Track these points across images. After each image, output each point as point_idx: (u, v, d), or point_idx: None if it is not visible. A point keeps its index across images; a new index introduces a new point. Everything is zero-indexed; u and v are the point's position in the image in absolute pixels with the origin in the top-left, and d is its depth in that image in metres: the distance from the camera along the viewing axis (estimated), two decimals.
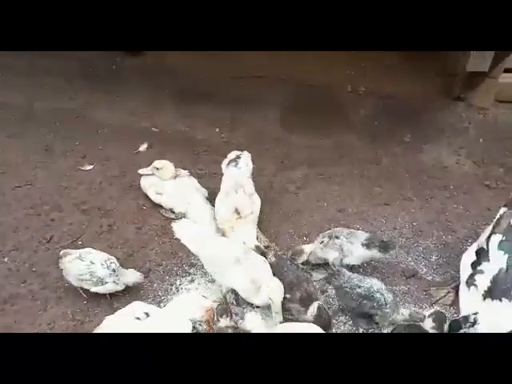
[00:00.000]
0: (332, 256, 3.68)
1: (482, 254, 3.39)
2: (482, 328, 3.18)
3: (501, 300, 3.19)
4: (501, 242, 3.35)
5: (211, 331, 3.18)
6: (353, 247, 3.67)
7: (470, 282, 3.36)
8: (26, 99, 5.46)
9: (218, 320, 3.25)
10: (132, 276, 3.58)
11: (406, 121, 5.17)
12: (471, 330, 3.15)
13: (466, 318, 3.19)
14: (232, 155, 4.21)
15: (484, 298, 3.25)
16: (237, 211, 3.87)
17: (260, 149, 4.87)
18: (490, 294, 3.23)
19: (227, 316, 3.28)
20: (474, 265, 3.40)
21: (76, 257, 3.51)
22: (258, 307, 3.52)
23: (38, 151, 4.85)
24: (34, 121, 5.19)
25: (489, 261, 3.33)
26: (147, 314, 3.03)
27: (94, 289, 3.51)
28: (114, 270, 3.50)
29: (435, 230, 4.18)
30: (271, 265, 3.49)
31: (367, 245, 3.66)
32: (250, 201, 3.97)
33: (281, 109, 5.34)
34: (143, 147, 4.86)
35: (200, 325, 3.28)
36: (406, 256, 3.97)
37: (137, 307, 3.11)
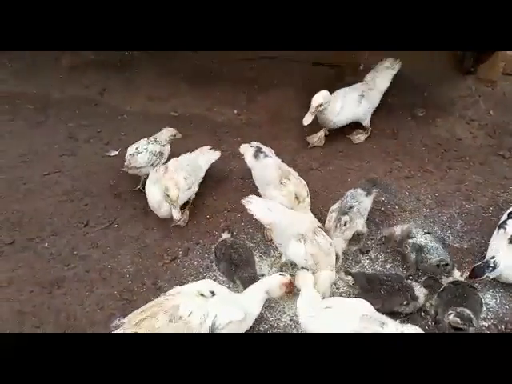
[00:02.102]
0: (360, 224, 3.85)
1: None
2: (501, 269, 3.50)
3: None
4: None
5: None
6: (364, 203, 3.92)
7: (502, 225, 3.65)
8: (43, 89, 5.51)
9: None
10: None
11: (418, 96, 5.30)
12: (492, 274, 3.47)
13: (486, 262, 3.47)
14: (248, 149, 4.25)
15: (509, 242, 3.54)
16: (296, 197, 3.92)
17: (280, 129, 4.98)
18: None
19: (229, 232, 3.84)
20: (510, 213, 3.70)
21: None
22: None
23: (62, 139, 4.95)
24: (54, 110, 5.27)
25: None
26: (213, 293, 3.12)
27: None
28: None
29: (457, 200, 4.34)
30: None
31: (368, 192, 3.96)
32: (302, 184, 4.05)
33: (295, 89, 5.42)
34: None
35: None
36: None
37: (205, 284, 3.21)
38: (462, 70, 5.33)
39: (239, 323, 3.11)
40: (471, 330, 3.14)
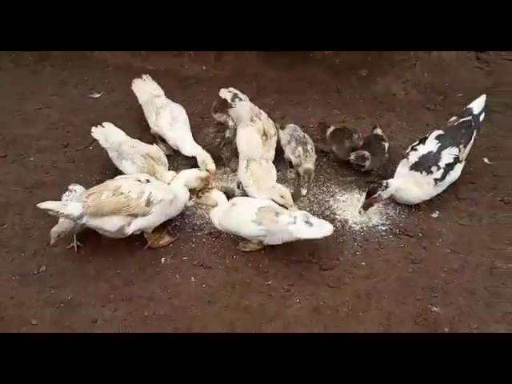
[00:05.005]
0: None
1: (422, 140, 4.44)
2: (399, 191, 4.25)
3: (421, 172, 4.26)
4: (439, 135, 4.39)
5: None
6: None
7: (405, 155, 4.42)
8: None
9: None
10: None
11: (363, 59, 6.05)
12: (385, 193, 4.18)
13: (380, 183, 4.20)
14: (226, 93, 5.03)
15: (410, 169, 4.31)
16: (265, 133, 4.62)
17: (240, 81, 5.77)
18: (415, 166, 4.30)
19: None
20: (413, 146, 4.45)
21: None
22: None
23: (54, 84, 5.86)
24: (51, 62, 6.15)
25: (424, 144, 4.38)
26: (148, 181, 3.97)
27: None
28: None
29: None
30: None
31: None
32: (271, 123, 4.79)
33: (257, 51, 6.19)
34: None
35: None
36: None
37: (142, 175, 4.06)
38: None
39: (169, 203, 3.94)
40: (366, 163, 4.38)
